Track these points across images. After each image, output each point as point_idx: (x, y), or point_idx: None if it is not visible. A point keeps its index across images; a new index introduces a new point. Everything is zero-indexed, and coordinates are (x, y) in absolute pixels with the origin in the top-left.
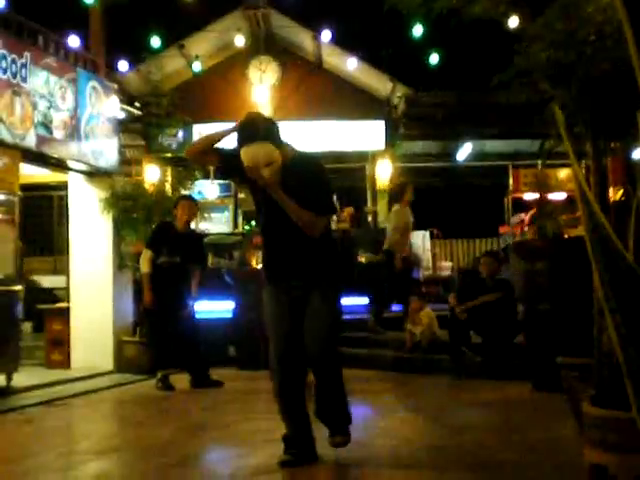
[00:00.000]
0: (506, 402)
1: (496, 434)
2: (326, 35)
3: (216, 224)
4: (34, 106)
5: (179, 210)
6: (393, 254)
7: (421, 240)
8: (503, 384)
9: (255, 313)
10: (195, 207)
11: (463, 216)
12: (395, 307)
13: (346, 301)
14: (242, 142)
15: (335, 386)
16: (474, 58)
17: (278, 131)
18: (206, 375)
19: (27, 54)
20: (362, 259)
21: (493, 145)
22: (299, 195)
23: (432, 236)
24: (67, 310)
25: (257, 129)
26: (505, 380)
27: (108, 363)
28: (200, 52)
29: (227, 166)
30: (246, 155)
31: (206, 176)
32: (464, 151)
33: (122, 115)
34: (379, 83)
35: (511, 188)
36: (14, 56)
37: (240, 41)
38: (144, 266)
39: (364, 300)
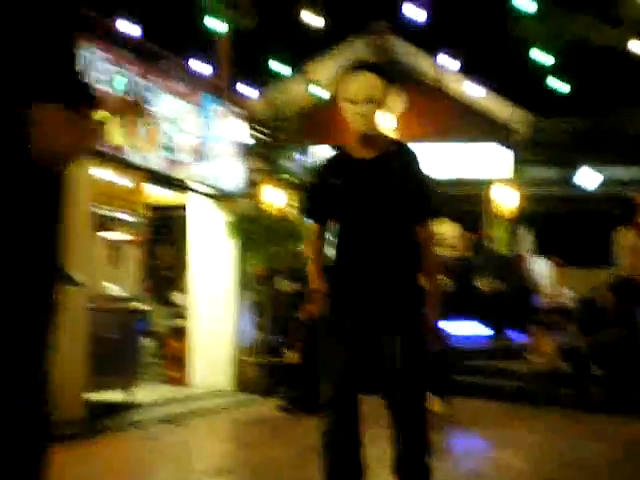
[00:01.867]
0: (627, 439)
1: (613, 472)
2: (447, 61)
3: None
4: (160, 129)
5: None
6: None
7: (542, 267)
8: (626, 419)
9: None
10: None
11: (586, 244)
12: (515, 336)
13: (464, 329)
14: (345, 72)
15: (423, 436)
16: (598, 84)
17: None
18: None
19: (154, 78)
20: (482, 286)
21: (617, 172)
22: (397, 195)
23: (553, 263)
24: (186, 328)
25: (366, 62)
26: (628, 415)
27: (227, 382)
28: (323, 77)
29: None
30: (348, 81)
31: None
32: (587, 177)
33: (246, 139)
34: (500, 108)
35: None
36: (141, 80)
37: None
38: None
39: (483, 328)
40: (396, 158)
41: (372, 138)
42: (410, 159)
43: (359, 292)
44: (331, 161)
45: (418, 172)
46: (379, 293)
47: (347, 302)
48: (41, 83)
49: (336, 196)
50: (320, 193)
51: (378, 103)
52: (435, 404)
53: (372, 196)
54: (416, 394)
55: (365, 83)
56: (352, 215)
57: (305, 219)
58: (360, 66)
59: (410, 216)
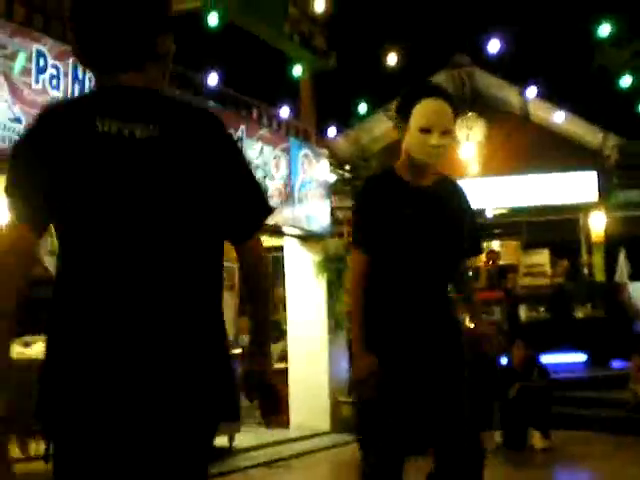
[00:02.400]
0: None
1: None
2: (532, 91)
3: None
4: None
5: None
6: None
7: None
8: None
9: (470, 373)
10: None
11: None
12: (617, 364)
13: (560, 358)
14: (417, 96)
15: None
16: None
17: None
18: None
19: (242, 127)
20: (579, 314)
21: None
22: (460, 228)
23: None
24: (285, 370)
25: (442, 88)
26: None
27: (325, 423)
28: None
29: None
30: (426, 109)
31: None
32: None
33: (332, 179)
34: (589, 134)
35: None
36: (231, 130)
37: None
38: None
39: (580, 357)
40: (449, 188)
41: (426, 167)
42: (461, 189)
43: (415, 349)
44: (381, 184)
45: (470, 203)
46: (433, 347)
47: (400, 364)
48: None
49: (401, 225)
50: (375, 219)
51: (452, 136)
52: (536, 439)
53: (439, 228)
54: (471, 439)
55: (443, 111)
56: (413, 249)
57: (355, 249)
58: (435, 91)
59: (465, 251)
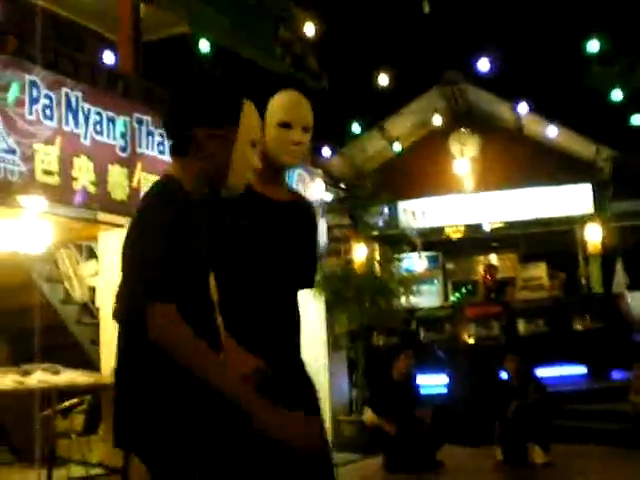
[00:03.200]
0: None
1: None
2: (523, 106)
3: (426, 297)
4: None
5: (400, 362)
6: None
7: None
8: None
9: (470, 389)
10: (413, 358)
11: None
12: (617, 375)
13: (559, 371)
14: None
15: None
16: None
17: None
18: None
19: None
20: (578, 326)
21: None
22: (290, 254)
23: None
24: None
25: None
26: None
27: None
28: (399, 132)
29: None
30: (284, 101)
31: (413, 249)
32: None
33: (328, 197)
34: (582, 147)
35: None
36: None
37: (438, 120)
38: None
39: (580, 369)
40: (302, 210)
41: (282, 175)
42: (313, 216)
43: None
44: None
45: (315, 234)
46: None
47: None
48: None
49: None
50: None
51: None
52: (536, 454)
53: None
54: None
55: (306, 106)
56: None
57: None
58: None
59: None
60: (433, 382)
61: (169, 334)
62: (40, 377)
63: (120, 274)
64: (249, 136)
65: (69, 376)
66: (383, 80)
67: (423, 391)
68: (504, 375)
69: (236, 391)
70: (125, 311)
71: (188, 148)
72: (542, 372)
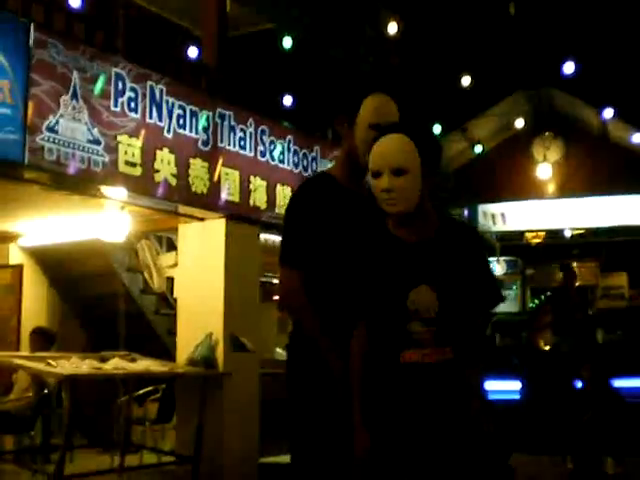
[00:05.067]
0: None
1: None
2: (609, 111)
3: (504, 302)
4: None
5: None
6: None
7: None
8: None
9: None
10: None
11: None
12: None
13: (638, 382)
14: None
15: None
16: None
17: (435, 147)
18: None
19: (317, 148)
20: None
21: None
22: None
23: None
24: None
25: (395, 112)
26: None
27: None
28: (482, 134)
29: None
30: (373, 155)
31: (492, 254)
32: None
33: None
34: None
35: None
36: (305, 151)
37: (520, 123)
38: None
39: None
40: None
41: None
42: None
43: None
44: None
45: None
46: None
47: None
48: None
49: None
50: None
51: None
52: (608, 465)
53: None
54: None
55: (390, 148)
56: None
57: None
58: (386, 128)
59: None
60: (506, 388)
61: (287, 295)
62: (116, 364)
63: None
64: (368, 121)
65: (145, 364)
66: (466, 81)
67: (496, 397)
68: (579, 384)
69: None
70: None
71: (339, 139)
72: (619, 383)
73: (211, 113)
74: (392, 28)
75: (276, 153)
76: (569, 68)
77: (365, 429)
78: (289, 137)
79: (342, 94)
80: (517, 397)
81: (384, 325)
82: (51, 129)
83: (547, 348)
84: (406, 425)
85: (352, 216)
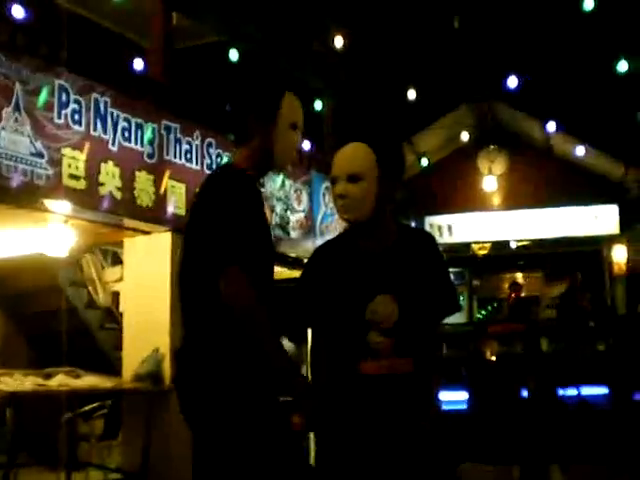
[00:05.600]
0: None
1: None
2: (553, 125)
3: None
4: (272, 209)
5: None
6: None
7: None
8: None
9: (490, 406)
10: None
11: None
12: None
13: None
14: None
15: None
16: None
17: (397, 159)
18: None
19: None
20: (600, 347)
21: None
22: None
23: None
24: None
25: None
26: None
27: None
28: (427, 147)
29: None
30: (333, 162)
31: None
32: None
33: None
34: (610, 167)
35: None
36: None
37: (465, 136)
38: None
39: (601, 390)
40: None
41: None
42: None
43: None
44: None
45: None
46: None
47: None
48: None
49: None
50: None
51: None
52: (555, 474)
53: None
54: None
55: (348, 155)
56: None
57: None
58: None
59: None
60: (453, 398)
61: (241, 294)
62: (61, 380)
63: (187, 251)
64: (290, 119)
65: (90, 380)
66: (412, 95)
67: (443, 407)
68: (525, 394)
69: (282, 363)
70: (195, 282)
71: (245, 136)
72: (563, 392)
73: (157, 125)
74: (339, 42)
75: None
76: (513, 82)
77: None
78: (234, 150)
79: (258, 89)
80: (464, 407)
81: (342, 335)
82: None
83: (493, 358)
84: (360, 434)
85: (262, 211)
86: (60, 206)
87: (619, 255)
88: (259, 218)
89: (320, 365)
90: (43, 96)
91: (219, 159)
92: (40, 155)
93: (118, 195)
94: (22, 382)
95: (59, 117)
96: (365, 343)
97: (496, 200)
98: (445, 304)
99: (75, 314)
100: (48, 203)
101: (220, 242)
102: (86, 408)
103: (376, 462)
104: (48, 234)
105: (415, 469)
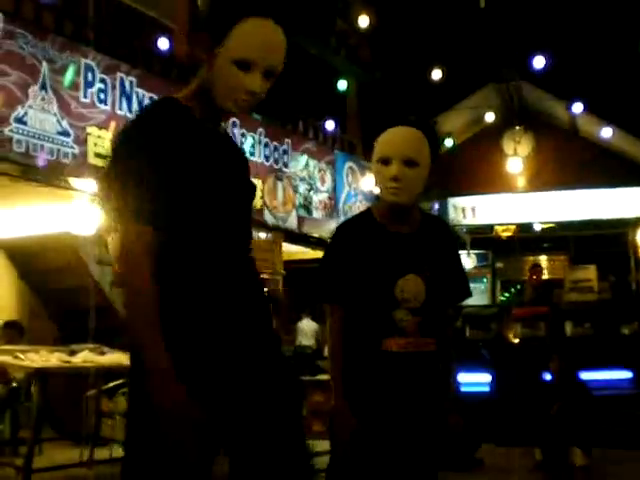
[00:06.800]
0: None
1: None
2: (578, 106)
3: (474, 295)
4: (295, 189)
5: None
6: None
7: None
8: None
9: (513, 389)
10: None
11: None
12: None
13: (605, 375)
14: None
15: None
16: None
17: (439, 148)
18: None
19: (288, 140)
20: (625, 331)
21: None
22: (436, 268)
23: None
24: (327, 382)
25: (409, 114)
26: None
27: None
28: (452, 128)
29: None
30: (383, 142)
31: (462, 247)
32: None
33: (378, 191)
34: (636, 149)
35: None
36: (276, 143)
37: (491, 117)
38: None
39: (626, 374)
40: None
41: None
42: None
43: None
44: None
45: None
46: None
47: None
48: None
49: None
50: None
51: (423, 168)
52: (576, 456)
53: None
54: None
55: (406, 138)
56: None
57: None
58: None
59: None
60: (476, 380)
61: (130, 261)
62: (86, 357)
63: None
64: (236, 54)
65: (115, 357)
66: (437, 75)
67: (466, 389)
68: (548, 376)
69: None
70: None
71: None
72: (587, 375)
73: None
74: (363, 21)
75: (247, 146)
76: (539, 62)
77: (349, 411)
78: (260, 130)
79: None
80: (487, 389)
81: (368, 311)
82: (20, 120)
83: (516, 341)
84: (382, 412)
85: (213, 155)
86: (86, 184)
87: None
88: (191, 159)
89: (345, 342)
90: (69, 75)
91: (243, 139)
92: (66, 134)
93: None
94: (48, 358)
95: (85, 96)
96: (392, 321)
97: (521, 182)
98: (459, 289)
99: (101, 292)
100: (74, 181)
101: (118, 191)
102: (110, 385)
103: (398, 437)
104: (74, 212)
105: (436, 447)
